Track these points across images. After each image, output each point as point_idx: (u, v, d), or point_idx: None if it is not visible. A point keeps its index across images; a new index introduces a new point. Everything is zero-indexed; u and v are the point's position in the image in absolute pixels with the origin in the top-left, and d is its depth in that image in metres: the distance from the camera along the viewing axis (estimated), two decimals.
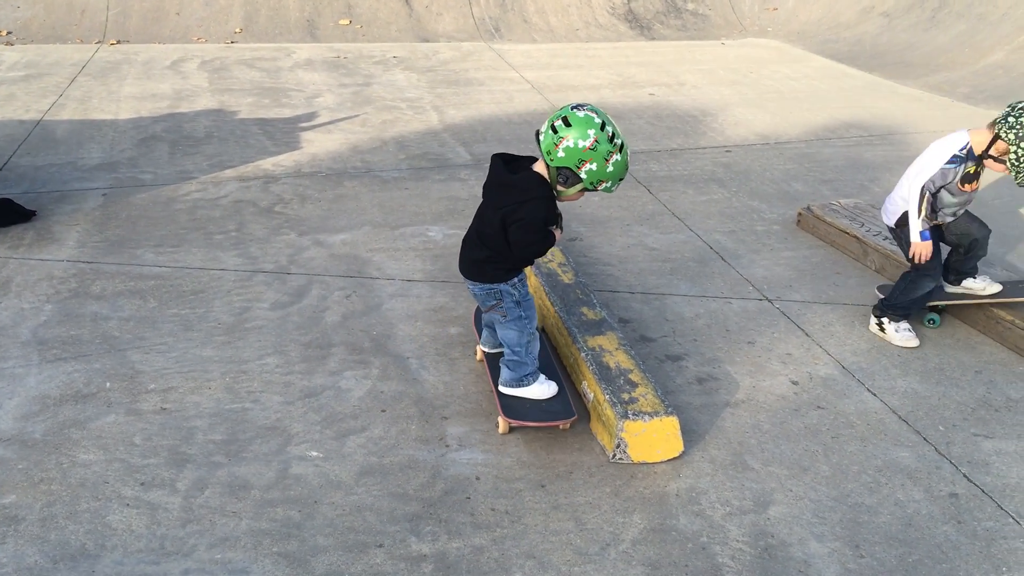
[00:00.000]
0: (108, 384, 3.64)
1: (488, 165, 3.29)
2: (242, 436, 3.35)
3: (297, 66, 9.43)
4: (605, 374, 3.51)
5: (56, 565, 2.70)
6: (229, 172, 6.14)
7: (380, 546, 2.84)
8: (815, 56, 10.71)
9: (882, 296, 4.31)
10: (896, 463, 3.32)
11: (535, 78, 9.17)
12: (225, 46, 10.34)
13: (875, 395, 3.74)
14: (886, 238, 4.96)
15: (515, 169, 3.22)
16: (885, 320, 4.16)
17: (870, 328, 4.25)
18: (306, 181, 6.00)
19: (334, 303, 4.36)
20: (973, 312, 4.30)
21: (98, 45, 9.99)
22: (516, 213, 3.14)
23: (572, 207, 5.57)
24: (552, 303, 4.04)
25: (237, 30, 10.82)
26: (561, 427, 3.38)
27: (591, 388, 3.50)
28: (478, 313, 3.94)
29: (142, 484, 3.08)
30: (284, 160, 6.41)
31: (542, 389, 3.46)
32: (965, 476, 3.26)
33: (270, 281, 4.56)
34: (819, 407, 3.65)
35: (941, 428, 3.54)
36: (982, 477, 3.25)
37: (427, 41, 10.96)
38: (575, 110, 3.07)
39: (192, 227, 5.20)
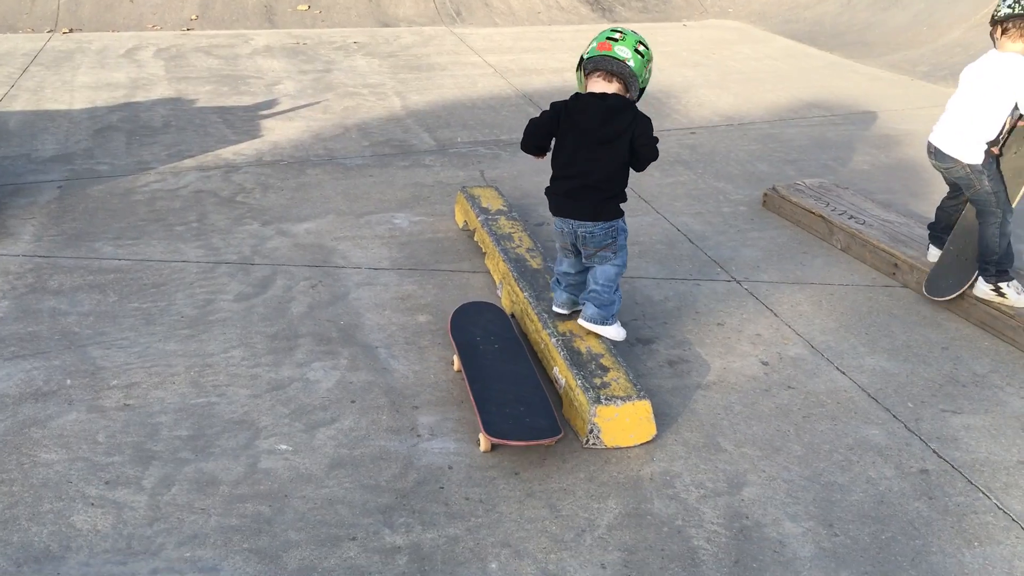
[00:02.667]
0: (68, 381, 3.56)
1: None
2: (209, 431, 3.29)
3: (256, 53, 9.29)
4: (576, 359, 3.48)
5: (20, 569, 2.64)
6: (189, 162, 6.03)
7: (353, 539, 2.80)
8: (777, 36, 10.74)
9: (933, 294, 4.26)
10: (867, 441, 3.33)
11: (497, 62, 9.11)
12: (181, 33, 10.16)
13: (844, 374, 3.76)
14: (851, 217, 4.98)
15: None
16: (1002, 285, 4.06)
17: (983, 296, 4.11)
18: (268, 170, 5.91)
19: (300, 293, 4.30)
20: None
21: (50, 34, 9.77)
22: (639, 127, 3.39)
23: (535, 191, 5.53)
24: (521, 289, 4.01)
25: (193, 17, 10.63)
26: (546, 444, 3.18)
27: (562, 374, 3.48)
28: (555, 281, 3.81)
29: (106, 483, 3.01)
30: (245, 149, 6.31)
31: (620, 332, 3.63)
32: (935, 452, 3.28)
33: (233, 272, 4.49)
34: (789, 387, 3.66)
35: (910, 405, 3.56)
36: (951, 452, 3.28)
37: (388, 26, 10.85)
38: (621, 33, 3.40)
39: (152, 219, 5.10)
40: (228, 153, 6.21)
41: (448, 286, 4.41)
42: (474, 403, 3.23)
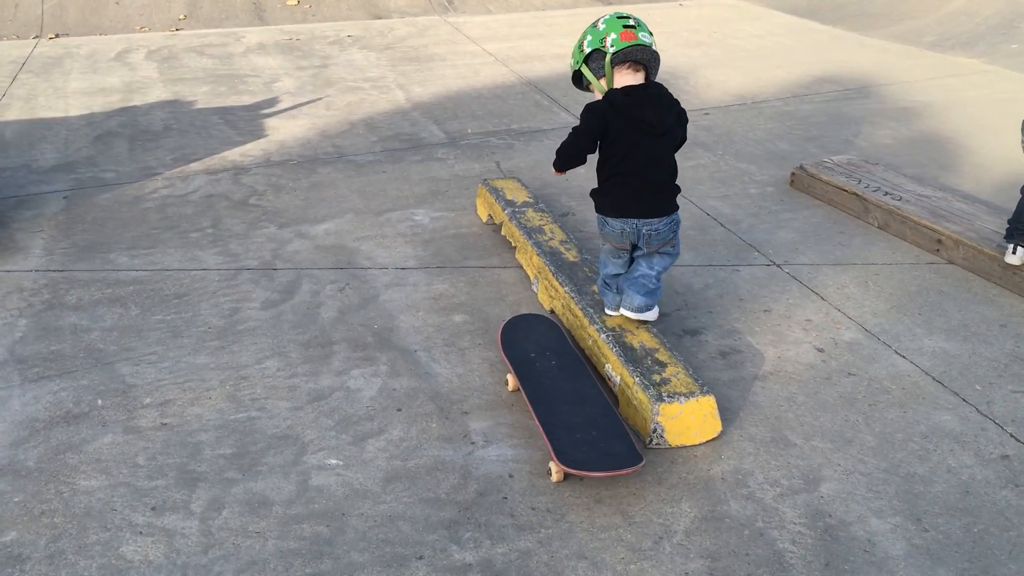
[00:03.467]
0: (100, 401, 3.40)
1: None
2: (253, 448, 3.14)
3: (249, 51, 9.08)
4: (630, 355, 3.34)
5: None
6: (195, 165, 5.85)
7: (420, 558, 2.65)
8: (776, 12, 10.60)
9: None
10: (940, 427, 3.20)
11: (497, 50, 8.94)
12: (170, 34, 9.94)
13: (904, 357, 3.63)
14: (886, 193, 4.85)
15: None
16: None
17: None
18: (278, 170, 5.74)
19: (328, 297, 4.14)
20: (987, 263, 4.20)
21: (36, 40, 9.53)
22: (683, 113, 3.41)
23: (555, 180, 5.39)
24: (561, 283, 3.86)
25: (181, 17, 10.41)
26: (627, 474, 2.90)
27: (616, 371, 3.34)
28: (605, 284, 3.63)
29: (153, 509, 2.85)
30: (251, 149, 6.13)
31: (656, 312, 3.58)
32: (1012, 436, 3.15)
33: (256, 278, 4.32)
34: (850, 374, 3.53)
35: (978, 387, 3.43)
36: None
37: (380, 18, 10.65)
38: (632, 19, 3.31)
39: (164, 226, 4.93)
40: (234, 155, 6.03)
41: (480, 283, 4.26)
42: (541, 429, 3.00)
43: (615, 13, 3.39)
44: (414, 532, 2.75)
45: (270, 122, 6.73)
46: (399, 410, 3.34)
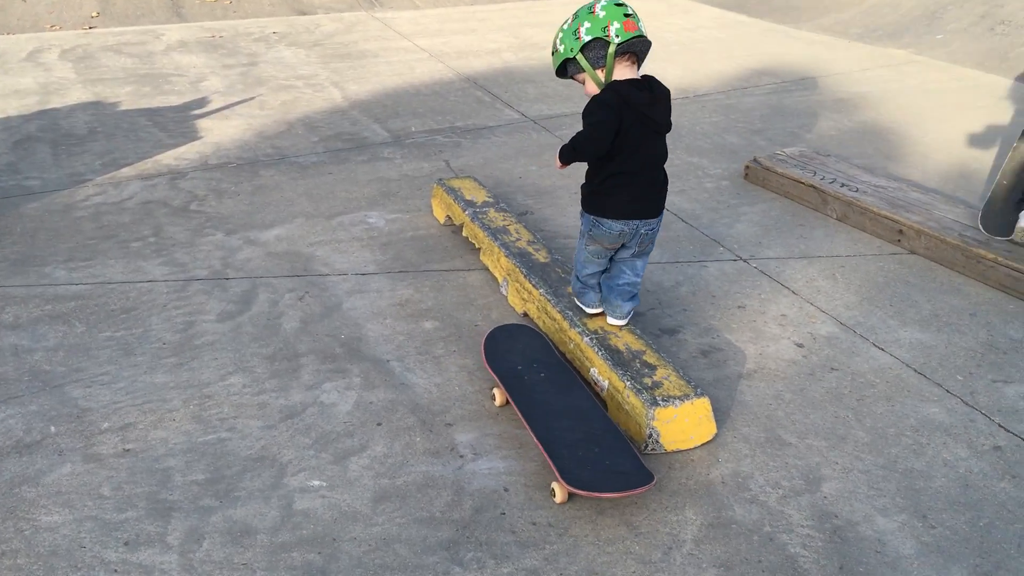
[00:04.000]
0: (53, 428, 3.16)
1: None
2: (227, 472, 2.95)
3: (170, 49, 8.72)
4: (617, 358, 3.25)
5: None
6: (127, 171, 5.56)
7: None
8: (704, 6, 10.65)
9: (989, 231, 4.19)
10: (930, 420, 3.19)
11: (429, 45, 8.77)
12: (84, 32, 9.48)
13: (883, 350, 3.62)
14: (843, 185, 4.87)
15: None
16: None
17: None
18: (217, 174, 5.49)
19: (288, 307, 3.95)
20: (949, 252, 4.23)
21: None
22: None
23: (508, 178, 5.28)
24: (535, 285, 3.75)
25: (94, 14, 9.95)
26: (638, 494, 2.80)
27: (604, 375, 3.24)
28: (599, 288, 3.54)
29: (126, 544, 2.65)
30: (186, 152, 5.86)
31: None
32: (1001, 426, 3.16)
33: (208, 289, 4.10)
34: (833, 368, 3.50)
35: (959, 378, 3.44)
36: (1017, 426, 3.17)
37: (304, 14, 10.36)
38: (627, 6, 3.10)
39: (101, 236, 4.65)
40: (168, 158, 5.75)
41: (446, 287, 4.12)
42: (541, 448, 2.86)
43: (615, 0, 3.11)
44: (412, 555, 2.61)
45: (202, 123, 6.45)
46: (379, 424, 3.18)
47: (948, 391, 3.35)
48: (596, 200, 3.25)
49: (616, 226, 3.21)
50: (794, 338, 3.70)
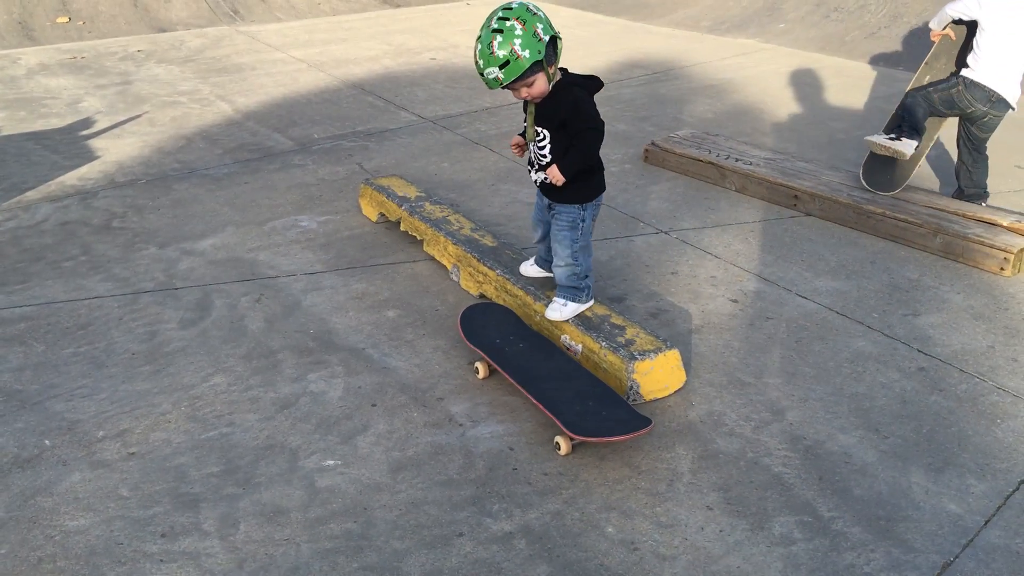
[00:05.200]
0: (47, 442, 3.18)
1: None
2: (241, 462, 3.06)
3: (33, 72, 8.45)
4: (587, 323, 3.53)
5: None
6: (31, 194, 5.45)
7: (461, 535, 2.72)
8: (561, 7, 11.12)
9: (873, 186, 4.79)
10: (861, 352, 3.63)
11: (306, 56, 8.83)
12: None
13: (806, 298, 4.05)
14: (737, 160, 5.32)
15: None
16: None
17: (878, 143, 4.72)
18: (129, 191, 5.45)
19: (248, 310, 4.04)
20: (842, 211, 4.74)
21: None
22: None
23: (423, 176, 5.50)
24: (490, 267, 3.99)
25: None
26: (643, 435, 3.01)
27: (576, 339, 3.52)
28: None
29: (163, 536, 2.74)
30: (88, 172, 5.78)
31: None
32: (920, 351, 3.63)
33: (161, 300, 4.14)
34: (768, 318, 3.90)
35: (875, 315, 3.90)
36: (933, 349, 3.64)
37: (164, 31, 10.19)
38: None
39: (28, 259, 4.58)
40: (71, 179, 5.66)
41: (397, 279, 4.30)
42: (542, 406, 3.08)
43: (518, 2, 3.15)
44: (443, 513, 2.81)
45: (95, 143, 6.35)
46: (374, 405, 3.36)
47: (869, 327, 3.81)
48: (587, 186, 3.43)
49: (599, 199, 3.48)
50: (728, 295, 4.09)
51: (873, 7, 9.00)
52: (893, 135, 4.66)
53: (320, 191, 5.40)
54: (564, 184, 3.35)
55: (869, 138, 4.74)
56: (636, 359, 3.29)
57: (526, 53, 3.10)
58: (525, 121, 3.42)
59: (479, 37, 3.16)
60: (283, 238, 4.76)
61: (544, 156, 3.40)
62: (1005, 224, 4.37)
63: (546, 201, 3.56)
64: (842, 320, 3.87)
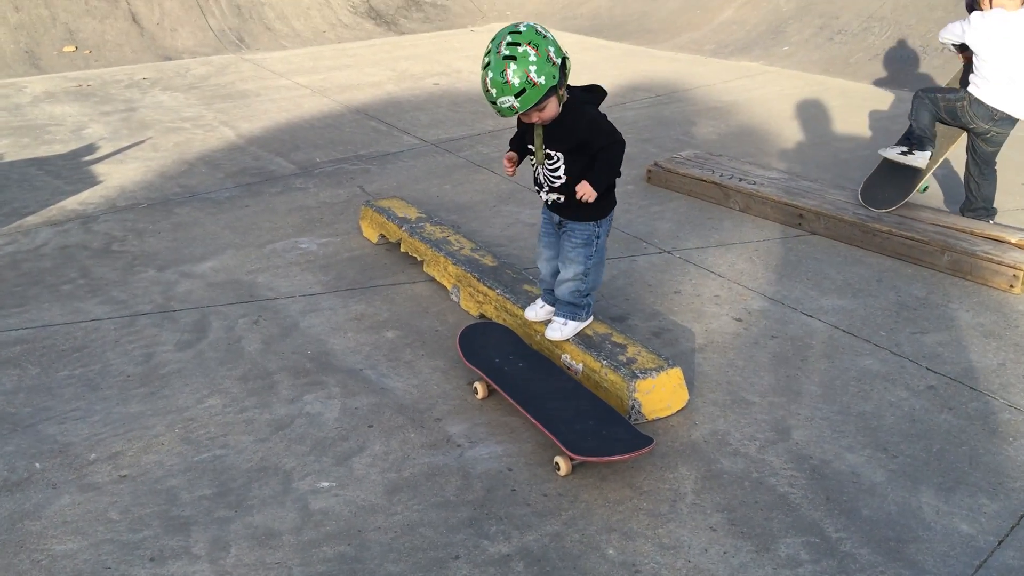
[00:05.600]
0: (37, 465, 3.12)
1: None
2: (233, 485, 3.00)
3: (38, 100, 8.47)
4: (588, 342, 3.47)
5: None
6: (32, 219, 5.42)
7: (456, 558, 2.65)
8: (565, 33, 11.14)
9: (870, 204, 4.76)
10: (868, 371, 3.56)
11: (310, 82, 8.85)
12: None
13: (812, 317, 3.98)
14: (741, 180, 5.28)
15: None
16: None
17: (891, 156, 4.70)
18: (130, 215, 5.43)
19: (245, 331, 3.99)
20: (847, 230, 4.67)
21: None
22: None
23: (425, 199, 5.46)
24: (490, 287, 3.93)
25: None
26: (644, 454, 2.96)
27: (577, 359, 3.45)
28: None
29: (152, 560, 2.67)
30: (89, 197, 5.76)
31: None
32: (929, 370, 3.55)
33: (158, 322, 4.09)
34: (773, 336, 3.83)
35: (883, 333, 3.83)
36: (942, 367, 3.56)
37: (170, 59, 10.23)
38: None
39: (26, 283, 4.55)
40: (72, 204, 5.64)
41: (397, 300, 4.25)
42: (541, 426, 3.01)
43: (523, 23, 3.14)
44: (439, 536, 2.74)
45: (97, 168, 6.34)
46: (370, 426, 3.29)
47: (877, 345, 3.74)
48: (602, 201, 3.30)
49: (612, 214, 3.40)
50: (732, 314, 4.03)
51: (877, 29, 8.99)
52: (904, 148, 4.61)
53: (321, 213, 5.37)
54: (578, 202, 3.23)
55: (883, 151, 4.68)
56: (637, 377, 3.22)
57: (541, 79, 3.00)
58: (531, 144, 3.29)
59: (487, 64, 3.02)
60: (283, 260, 4.72)
61: (558, 178, 3.27)
62: (1013, 241, 4.31)
63: (556, 219, 3.44)
64: (848, 339, 3.80)
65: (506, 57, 2.98)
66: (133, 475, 3.04)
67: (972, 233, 4.44)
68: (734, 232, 4.92)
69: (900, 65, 8.33)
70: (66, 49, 10.29)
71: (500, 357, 3.48)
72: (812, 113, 7.22)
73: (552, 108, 3.12)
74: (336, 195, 5.68)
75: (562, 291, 3.48)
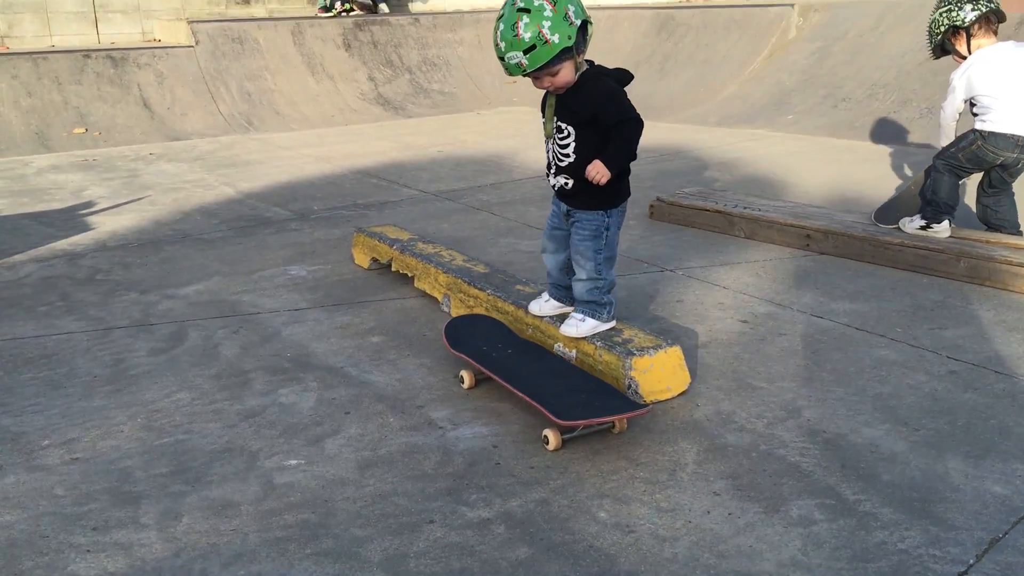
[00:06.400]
0: None
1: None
2: (193, 464, 2.75)
3: (43, 171, 8.49)
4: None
5: None
6: (19, 257, 5.29)
7: (431, 522, 2.38)
8: None
9: (882, 221, 4.58)
10: (884, 359, 3.31)
11: (315, 153, 8.86)
12: None
13: (822, 318, 3.76)
14: (746, 208, 5.11)
15: None
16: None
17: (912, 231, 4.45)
18: (119, 252, 5.29)
19: (224, 339, 3.79)
20: (858, 246, 4.48)
21: None
22: None
23: (427, 233, 5.31)
24: (481, 288, 3.74)
25: None
26: (641, 415, 2.82)
27: (570, 345, 3.23)
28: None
29: (94, 529, 2.41)
30: (80, 240, 5.64)
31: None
32: (950, 358, 3.31)
33: (133, 333, 3.90)
34: (781, 334, 3.60)
35: (899, 329, 3.60)
36: (965, 355, 3.32)
37: (179, 140, 10.31)
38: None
39: (3, 306, 4.38)
40: (63, 245, 5.52)
41: (385, 312, 4.06)
42: (529, 399, 2.77)
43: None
44: (413, 504, 2.48)
45: (92, 219, 6.25)
46: (347, 413, 3.06)
47: (892, 339, 3.50)
48: (613, 189, 3.11)
49: (624, 206, 3.18)
50: (737, 317, 3.81)
51: (881, 95, 8.98)
52: (923, 223, 4.38)
53: (314, 248, 5.23)
54: (587, 188, 3.02)
55: (903, 223, 4.48)
56: (634, 355, 2.99)
57: (555, 38, 2.80)
58: (544, 117, 3.10)
59: (500, 16, 2.85)
60: (270, 284, 4.55)
61: (567, 156, 3.04)
62: None
63: (564, 208, 3.21)
64: (862, 335, 3.56)
65: (520, 9, 2.80)
66: (86, 458, 2.81)
67: (988, 242, 4.24)
68: (739, 254, 4.74)
69: (908, 125, 8.27)
70: (76, 131, 10.39)
71: (488, 345, 3.26)
72: (818, 165, 7.11)
73: (566, 74, 2.91)
74: (331, 233, 5.55)
75: (580, 291, 3.20)
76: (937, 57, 4.45)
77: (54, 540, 2.36)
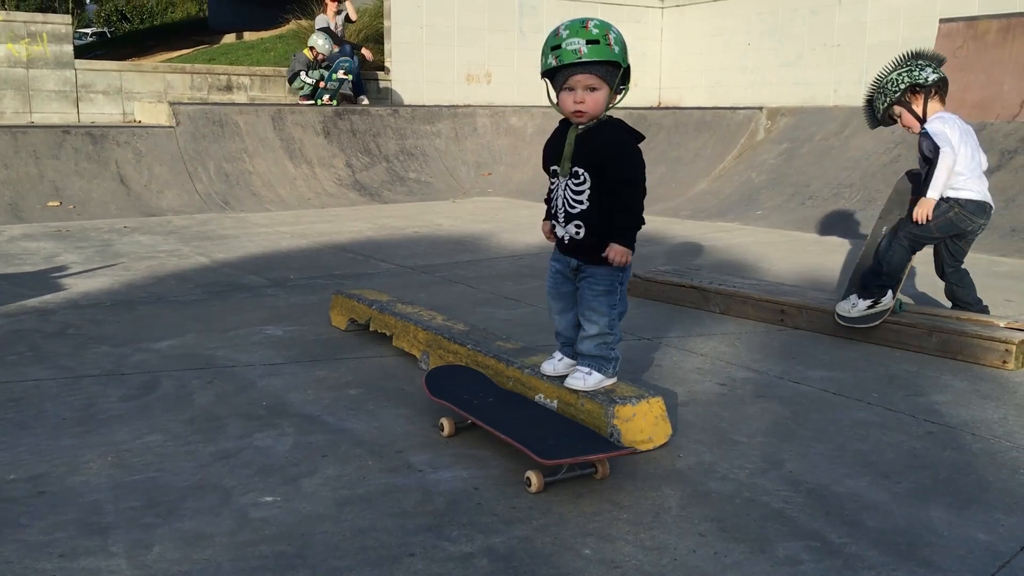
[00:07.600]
0: None
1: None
2: (165, 499, 2.68)
3: (14, 239, 8.43)
4: (562, 379, 3.24)
5: None
6: None
7: (412, 555, 2.33)
8: (532, 202, 11.37)
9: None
10: (863, 421, 3.33)
11: (292, 230, 8.90)
12: None
13: (800, 383, 3.78)
14: (721, 284, 5.18)
15: None
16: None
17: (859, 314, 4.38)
18: (90, 311, 5.24)
19: (197, 389, 3.74)
20: (832, 322, 4.53)
21: None
22: None
23: (405, 296, 5.33)
24: (461, 344, 3.73)
25: None
26: (625, 455, 2.84)
27: (551, 396, 3.22)
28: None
29: (61, 556, 2.33)
30: (52, 299, 5.58)
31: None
32: (927, 420, 3.33)
33: (105, 382, 3.84)
34: (760, 396, 3.62)
35: (875, 395, 3.63)
36: (942, 419, 3.35)
37: (154, 216, 10.32)
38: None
39: None
40: (33, 303, 5.45)
41: (363, 369, 4.03)
42: (511, 440, 2.74)
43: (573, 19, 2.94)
44: (393, 538, 2.43)
45: (65, 281, 6.19)
46: (324, 456, 3.01)
47: (869, 403, 3.52)
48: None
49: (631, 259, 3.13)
50: (716, 380, 3.82)
51: (847, 194, 9.23)
52: (870, 301, 4.34)
53: (291, 311, 5.21)
54: (600, 240, 3.01)
55: (844, 312, 4.41)
56: (616, 403, 2.99)
57: (617, 49, 2.87)
58: (553, 164, 3.07)
59: (559, 27, 2.90)
60: (245, 341, 4.51)
61: (580, 203, 2.99)
62: (1003, 324, 4.18)
63: (572, 264, 3.14)
64: (840, 398, 3.59)
65: (587, 19, 2.90)
66: (54, 491, 2.73)
67: (958, 318, 4.32)
68: (715, 327, 4.78)
69: (873, 222, 8.47)
70: (51, 204, 10.37)
71: (469, 394, 3.24)
72: (788, 254, 7.25)
73: (600, 99, 2.91)
74: (307, 299, 5.54)
75: (588, 347, 3.12)
76: (873, 126, 4.47)
77: (19, 565, 2.27)
